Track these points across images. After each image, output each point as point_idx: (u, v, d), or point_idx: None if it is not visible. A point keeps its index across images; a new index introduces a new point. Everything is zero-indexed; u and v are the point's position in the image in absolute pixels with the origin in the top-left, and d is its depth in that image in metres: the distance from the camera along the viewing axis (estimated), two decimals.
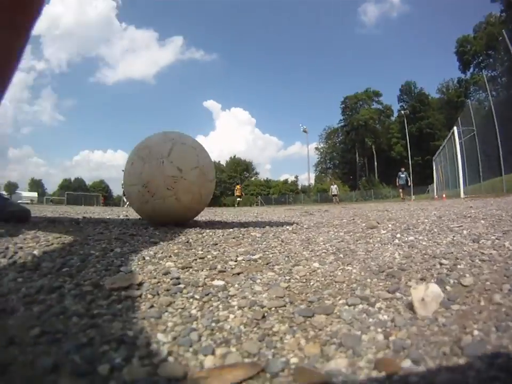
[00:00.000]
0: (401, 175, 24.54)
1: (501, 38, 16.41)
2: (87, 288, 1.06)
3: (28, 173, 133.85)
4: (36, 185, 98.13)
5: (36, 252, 1.54)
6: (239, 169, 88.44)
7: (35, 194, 75.04)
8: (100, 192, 67.60)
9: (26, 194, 69.81)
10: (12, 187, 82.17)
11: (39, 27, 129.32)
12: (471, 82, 62.91)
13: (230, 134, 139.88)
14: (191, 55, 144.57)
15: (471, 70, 66.24)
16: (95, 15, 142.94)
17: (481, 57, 62.36)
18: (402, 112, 52.81)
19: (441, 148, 27.11)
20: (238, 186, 32.81)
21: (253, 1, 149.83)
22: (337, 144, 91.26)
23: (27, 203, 33.16)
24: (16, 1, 2.42)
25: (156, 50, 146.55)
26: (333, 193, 30.88)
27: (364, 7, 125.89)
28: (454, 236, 1.87)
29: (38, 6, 2.56)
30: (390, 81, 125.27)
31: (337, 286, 1.09)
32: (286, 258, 1.49)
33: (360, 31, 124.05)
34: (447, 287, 1.00)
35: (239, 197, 31.79)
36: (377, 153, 79.06)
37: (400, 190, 25.13)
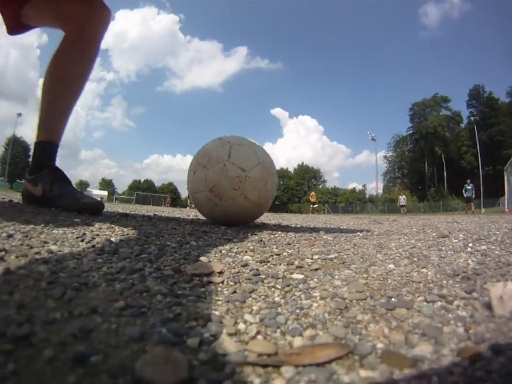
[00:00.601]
0: (468, 187, 23.77)
1: None
2: (168, 272, 1.14)
3: (98, 173, 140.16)
4: (106, 184, 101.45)
5: (112, 239, 1.66)
6: (307, 176, 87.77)
7: (105, 192, 78.17)
8: (168, 194, 68.86)
9: (96, 192, 72.99)
10: (82, 185, 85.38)
11: (107, 42, 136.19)
12: None
13: (298, 142, 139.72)
14: (256, 64, 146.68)
15: None
16: (159, 29, 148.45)
17: None
18: (472, 118, 49.99)
19: None
20: (313, 193, 31.77)
21: (315, 11, 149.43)
22: (406, 152, 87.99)
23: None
24: (85, 14, 2.67)
25: (221, 60, 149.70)
26: (401, 204, 30.20)
27: (424, 8, 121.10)
28: None
29: (104, 19, 2.79)
30: (458, 85, 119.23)
31: (414, 285, 1.11)
32: (361, 259, 1.52)
33: (423, 34, 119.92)
34: None
35: (315, 203, 30.65)
36: (446, 162, 75.72)
37: (466, 203, 24.32)
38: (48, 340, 0.62)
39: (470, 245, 1.96)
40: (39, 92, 2.82)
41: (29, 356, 0.57)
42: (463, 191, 24.21)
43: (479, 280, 1.14)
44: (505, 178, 29.65)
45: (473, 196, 24.53)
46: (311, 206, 30.75)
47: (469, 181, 24.41)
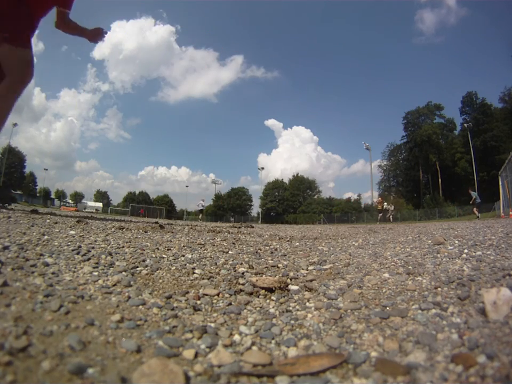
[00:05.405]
0: (476, 194, 23.86)
1: None
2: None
3: (93, 185, 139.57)
4: (102, 196, 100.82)
5: (108, 252, 1.67)
6: (302, 187, 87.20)
7: (100, 204, 77.95)
8: (164, 206, 68.56)
9: (91, 204, 72.87)
10: (77, 197, 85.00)
11: (103, 53, 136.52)
12: None
13: (293, 152, 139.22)
14: (252, 73, 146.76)
15: None
16: (156, 39, 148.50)
17: None
18: (466, 125, 49.60)
19: (506, 161, 25.88)
20: (379, 199, 28.02)
21: (311, 19, 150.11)
22: (401, 161, 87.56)
23: (92, 212, 34.71)
24: None
25: (217, 70, 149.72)
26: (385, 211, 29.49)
27: (420, 14, 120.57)
28: None
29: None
30: (451, 93, 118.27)
31: (409, 293, 1.11)
32: (356, 269, 1.53)
33: (418, 40, 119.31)
34: None
35: (381, 211, 26.17)
36: (441, 169, 75.40)
37: (475, 208, 24.30)
38: (46, 351, 0.62)
39: (466, 251, 1.96)
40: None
41: (27, 367, 0.57)
42: (473, 198, 24.09)
43: (473, 286, 1.14)
44: (500, 183, 29.55)
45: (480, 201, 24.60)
46: (379, 214, 26.20)
47: (473, 188, 24.49)
